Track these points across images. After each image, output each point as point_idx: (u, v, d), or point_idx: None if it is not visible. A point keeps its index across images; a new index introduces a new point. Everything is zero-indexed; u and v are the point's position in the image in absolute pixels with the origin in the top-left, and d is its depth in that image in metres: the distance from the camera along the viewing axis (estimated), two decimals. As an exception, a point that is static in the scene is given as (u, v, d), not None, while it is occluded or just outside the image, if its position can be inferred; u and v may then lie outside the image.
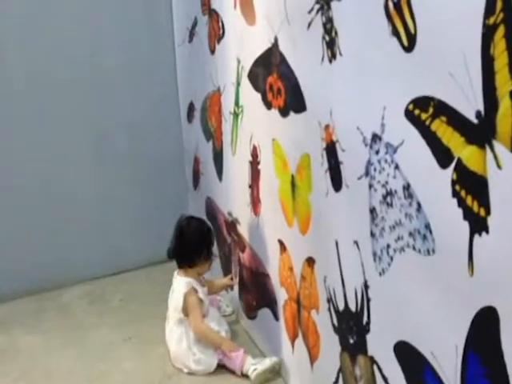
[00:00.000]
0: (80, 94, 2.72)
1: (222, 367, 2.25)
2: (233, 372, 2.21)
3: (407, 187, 1.28)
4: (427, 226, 1.23)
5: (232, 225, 2.43)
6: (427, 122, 1.19)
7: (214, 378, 2.23)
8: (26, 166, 2.71)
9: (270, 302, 2.20)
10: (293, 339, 2.05)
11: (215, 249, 2.54)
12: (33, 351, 2.44)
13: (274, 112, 1.91)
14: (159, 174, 2.96)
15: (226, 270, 2.56)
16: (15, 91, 2.62)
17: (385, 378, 1.49)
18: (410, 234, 1.29)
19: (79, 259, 2.90)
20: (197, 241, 2.30)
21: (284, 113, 1.85)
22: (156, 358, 2.33)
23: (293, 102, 1.78)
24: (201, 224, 2.36)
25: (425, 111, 1.19)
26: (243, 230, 2.34)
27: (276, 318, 2.17)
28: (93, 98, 2.75)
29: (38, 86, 2.64)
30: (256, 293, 2.34)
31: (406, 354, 1.39)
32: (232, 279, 2.51)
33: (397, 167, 1.31)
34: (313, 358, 1.92)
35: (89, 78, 2.73)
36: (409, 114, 1.24)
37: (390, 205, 1.36)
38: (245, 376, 2.18)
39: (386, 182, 1.36)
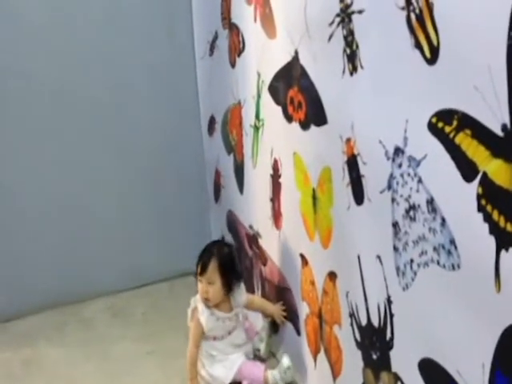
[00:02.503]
0: (101, 109, 2.73)
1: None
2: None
3: (431, 201, 1.26)
4: (452, 241, 1.21)
5: (253, 238, 2.42)
6: (451, 135, 1.17)
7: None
8: (48, 181, 2.72)
9: (291, 317, 2.18)
10: (315, 354, 2.03)
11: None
12: (56, 364, 2.45)
13: (295, 125, 1.90)
14: (181, 186, 2.95)
15: (248, 284, 2.54)
16: (39, 108, 2.64)
17: (409, 396, 1.47)
18: (435, 249, 1.27)
19: (101, 273, 2.90)
20: None
21: (305, 126, 1.84)
22: (179, 372, 2.31)
23: (313, 115, 1.77)
24: (203, 250, 2.25)
25: (449, 124, 1.17)
26: (265, 243, 2.33)
27: (298, 332, 2.15)
28: (114, 111, 2.76)
29: (61, 100, 2.66)
30: (278, 307, 2.32)
31: (430, 371, 1.36)
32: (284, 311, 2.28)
33: (420, 181, 1.29)
34: (335, 374, 1.89)
35: (110, 93, 2.73)
36: (432, 127, 1.22)
37: (413, 219, 1.34)
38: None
39: (409, 196, 1.34)
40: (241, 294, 2.26)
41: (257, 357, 2.33)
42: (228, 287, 2.19)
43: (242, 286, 2.27)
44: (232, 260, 2.23)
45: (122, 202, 2.89)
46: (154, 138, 2.87)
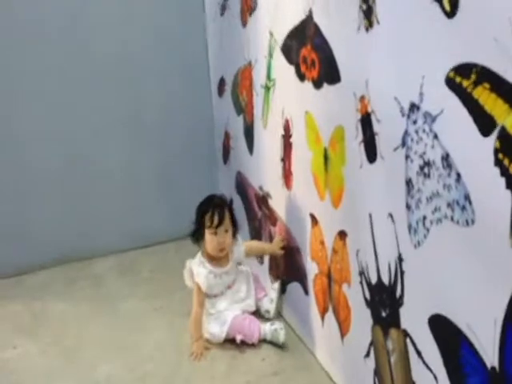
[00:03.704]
0: (111, 68, 2.73)
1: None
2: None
3: (446, 157, 1.26)
4: (467, 197, 1.21)
5: (263, 199, 2.43)
6: (469, 90, 1.16)
7: (243, 349, 2.25)
8: (57, 138, 2.73)
9: (299, 276, 2.20)
10: (323, 313, 2.05)
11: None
12: (65, 318, 2.49)
13: (308, 84, 1.88)
14: (189, 148, 2.96)
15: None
16: (50, 61, 2.63)
17: (418, 352, 1.48)
18: (448, 205, 1.27)
19: (111, 231, 2.92)
20: (195, 218, 2.28)
21: (318, 85, 1.83)
22: (185, 328, 2.33)
23: (327, 73, 1.76)
24: (202, 204, 2.29)
25: (467, 78, 1.16)
26: (274, 203, 2.34)
27: (306, 292, 2.17)
28: (124, 72, 2.76)
29: (72, 55, 2.65)
30: (286, 267, 2.33)
31: (441, 327, 1.38)
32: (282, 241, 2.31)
33: (435, 137, 1.29)
34: (343, 332, 1.91)
35: (121, 52, 2.73)
36: (449, 82, 1.21)
37: (427, 176, 1.34)
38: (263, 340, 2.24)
39: (424, 153, 1.34)
40: (239, 245, 2.34)
41: (262, 316, 2.36)
42: (234, 236, 2.29)
43: (239, 236, 2.34)
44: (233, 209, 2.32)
45: (131, 161, 2.90)
46: (163, 100, 2.86)
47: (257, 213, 2.52)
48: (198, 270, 2.26)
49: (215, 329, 2.26)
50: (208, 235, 2.24)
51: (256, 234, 2.57)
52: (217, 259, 2.28)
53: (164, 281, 2.71)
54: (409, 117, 1.38)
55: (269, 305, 2.35)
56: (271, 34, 2.12)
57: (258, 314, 2.37)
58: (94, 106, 2.75)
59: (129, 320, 2.45)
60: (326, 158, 1.85)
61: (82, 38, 2.65)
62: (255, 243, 2.49)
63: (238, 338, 2.23)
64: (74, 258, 2.87)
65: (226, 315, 2.26)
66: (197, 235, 2.28)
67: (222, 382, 2.10)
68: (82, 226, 2.88)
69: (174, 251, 2.97)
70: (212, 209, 2.23)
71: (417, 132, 1.36)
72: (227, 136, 2.80)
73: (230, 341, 2.26)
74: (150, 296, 2.60)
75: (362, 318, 1.76)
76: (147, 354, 2.25)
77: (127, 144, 2.86)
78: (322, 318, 2.06)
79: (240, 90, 2.54)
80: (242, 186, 2.69)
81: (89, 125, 2.76)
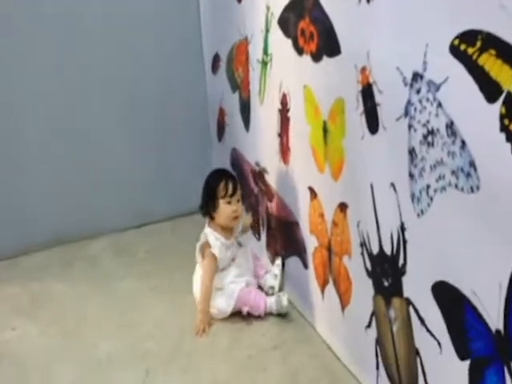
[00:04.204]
0: (105, 44, 2.69)
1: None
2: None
3: (450, 125, 1.27)
4: (471, 164, 1.22)
5: (259, 175, 2.43)
6: (474, 57, 1.17)
7: (243, 324, 2.27)
8: (52, 116, 2.70)
9: (298, 251, 2.21)
10: (323, 286, 2.07)
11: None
12: (64, 298, 2.49)
13: (306, 58, 1.88)
14: (183, 125, 2.94)
15: (253, 221, 2.57)
16: (47, 34, 2.60)
17: (421, 319, 1.51)
18: (453, 173, 1.29)
19: (105, 211, 2.91)
20: (204, 191, 2.31)
21: (316, 58, 1.83)
22: (185, 306, 2.35)
23: (326, 45, 1.76)
24: (213, 175, 2.32)
25: (472, 45, 1.17)
26: (271, 179, 2.34)
27: (305, 265, 2.19)
28: (115, 48, 2.73)
29: (70, 30, 2.62)
30: (284, 242, 2.35)
31: (444, 293, 1.40)
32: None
33: (439, 105, 1.30)
34: (344, 304, 1.93)
35: (113, 27, 2.70)
36: (454, 50, 1.22)
37: (431, 144, 1.35)
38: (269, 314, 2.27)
39: (428, 122, 1.35)
40: (244, 217, 2.43)
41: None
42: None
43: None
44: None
45: (124, 140, 2.87)
46: (155, 78, 2.84)
47: (253, 189, 2.53)
48: (215, 243, 2.27)
49: (222, 304, 2.27)
50: (222, 205, 2.26)
51: (252, 211, 2.57)
52: (225, 231, 2.31)
53: (160, 260, 2.71)
54: (412, 86, 1.38)
55: (273, 281, 2.36)
56: (268, 8, 2.11)
57: (261, 290, 2.37)
58: (89, 84, 2.72)
59: (126, 299, 2.46)
60: (325, 130, 1.86)
61: (74, 11, 2.61)
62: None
63: (245, 309, 2.25)
64: (71, 239, 2.86)
65: (232, 288, 2.28)
66: (209, 207, 2.28)
67: (223, 357, 2.11)
68: (78, 207, 2.86)
69: (169, 230, 2.97)
70: (225, 179, 2.28)
71: (420, 101, 1.36)
72: (222, 113, 2.79)
73: (232, 315, 2.28)
74: (147, 276, 2.60)
75: (363, 289, 1.79)
76: (147, 331, 2.26)
77: (121, 123, 2.84)
78: (322, 290, 2.08)
79: (235, 66, 2.53)
80: (237, 162, 2.69)
81: (83, 104, 2.73)
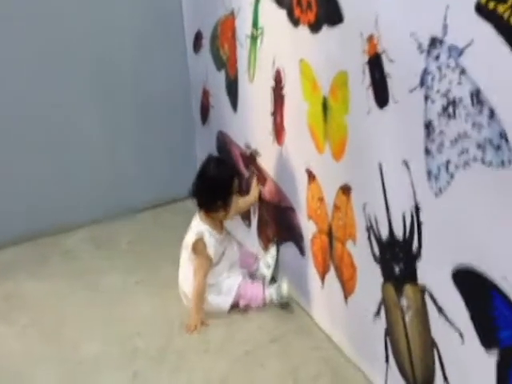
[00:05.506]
0: (82, 28, 2.53)
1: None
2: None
3: (476, 93, 1.15)
4: (502, 135, 1.11)
5: (250, 157, 2.29)
6: (505, 15, 1.05)
7: (237, 317, 2.14)
8: (27, 106, 2.52)
9: (294, 237, 2.09)
10: (322, 274, 1.95)
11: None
12: (41, 297, 2.32)
13: (303, 29, 1.75)
14: (164, 110, 2.79)
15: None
16: (20, 31, 2.43)
17: (439, 308, 1.39)
18: (479, 146, 1.17)
19: (82, 202, 2.75)
20: (214, 187, 2.12)
21: (315, 28, 1.69)
22: (174, 300, 2.22)
23: (326, 14, 1.63)
24: (224, 169, 2.17)
25: (502, 2, 1.05)
26: (264, 161, 2.21)
27: (302, 252, 2.06)
28: (95, 31, 2.56)
29: (40, 20, 2.45)
30: (278, 228, 2.22)
31: (468, 280, 1.28)
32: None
33: (463, 72, 1.18)
34: (347, 292, 1.81)
35: (90, 12, 2.53)
36: (480, 9, 1.10)
37: (451, 116, 1.23)
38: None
39: (448, 91, 1.23)
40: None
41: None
42: None
43: None
44: None
45: (102, 127, 2.73)
46: (134, 59, 2.67)
47: (243, 173, 2.38)
48: (210, 241, 2.13)
49: (219, 300, 2.15)
50: (234, 199, 2.14)
51: (244, 195, 2.43)
52: (218, 225, 2.18)
53: (144, 252, 2.57)
54: (429, 53, 1.26)
55: (265, 270, 2.24)
56: (257, -22, 1.97)
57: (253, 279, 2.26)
58: (64, 75, 2.55)
59: (110, 295, 2.31)
60: (324, 107, 1.73)
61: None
62: (240, 200, 2.27)
63: (242, 303, 2.14)
64: (45, 233, 2.68)
65: (229, 284, 2.16)
66: (219, 203, 2.11)
67: (218, 354, 1.99)
68: (52, 197, 2.68)
69: (151, 220, 2.83)
70: (235, 172, 2.20)
71: (439, 69, 1.24)
72: (206, 94, 2.64)
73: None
74: (131, 269, 2.45)
75: (369, 276, 1.67)
76: (134, 329, 2.12)
77: (97, 108, 2.68)
78: (322, 278, 1.96)
79: (221, 43, 2.38)
80: (224, 145, 2.54)
81: (59, 91, 2.56)
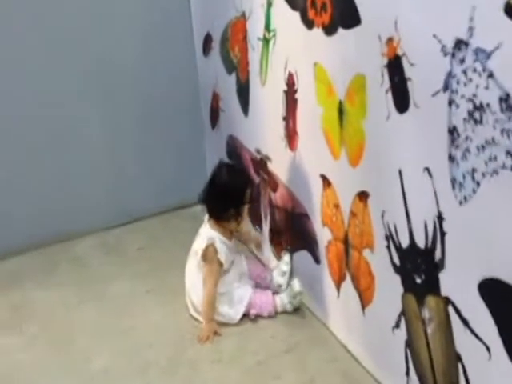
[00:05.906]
0: (87, 29, 2.48)
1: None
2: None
3: (506, 98, 1.10)
4: (533, 142, 1.05)
5: (261, 163, 2.24)
6: (538, 16, 1.00)
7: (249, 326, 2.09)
8: (34, 111, 2.47)
9: (308, 244, 2.03)
10: (338, 282, 1.89)
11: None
12: (49, 306, 2.27)
13: (317, 31, 1.70)
14: (173, 114, 2.73)
15: (254, 214, 2.36)
16: (21, 30, 2.38)
17: (464, 321, 1.34)
18: (508, 153, 1.12)
19: (91, 208, 2.70)
20: (227, 194, 2.06)
21: (330, 31, 1.64)
22: (183, 309, 2.17)
23: (342, 16, 1.58)
24: (237, 176, 2.11)
25: (533, 3, 1.00)
26: (275, 167, 2.15)
27: (317, 260, 2.01)
28: (100, 33, 2.51)
29: (42, 20, 2.40)
30: (291, 235, 2.16)
31: (495, 291, 1.23)
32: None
33: (490, 76, 1.12)
34: (365, 302, 1.76)
35: (96, 13, 2.49)
36: (510, 10, 1.04)
37: (478, 121, 1.18)
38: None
39: (474, 95, 1.17)
40: None
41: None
42: None
43: None
44: None
45: (109, 132, 2.67)
46: (142, 62, 2.62)
47: (254, 179, 2.33)
48: (221, 248, 2.08)
49: (230, 311, 2.10)
50: (246, 209, 2.09)
51: (254, 202, 2.38)
52: (228, 232, 2.12)
53: (154, 259, 2.52)
54: (453, 55, 1.21)
55: (280, 278, 2.17)
56: (269, -20, 1.92)
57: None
58: (70, 80, 2.50)
59: (120, 304, 2.26)
60: (340, 112, 1.68)
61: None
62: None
63: (252, 312, 2.09)
64: (53, 240, 2.62)
65: (240, 294, 2.11)
66: (230, 212, 2.06)
67: (230, 364, 1.94)
68: (60, 205, 2.63)
69: (160, 227, 2.77)
70: (249, 181, 2.16)
71: (465, 72, 1.19)
72: (215, 98, 2.59)
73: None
74: (141, 276, 2.40)
75: (388, 286, 1.62)
76: (145, 340, 2.06)
77: (105, 114, 2.63)
78: (338, 287, 1.90)
79: (231, 46, 2.33)
80: (234, 150, 2.49)
81: (64, 94, 2.51)
